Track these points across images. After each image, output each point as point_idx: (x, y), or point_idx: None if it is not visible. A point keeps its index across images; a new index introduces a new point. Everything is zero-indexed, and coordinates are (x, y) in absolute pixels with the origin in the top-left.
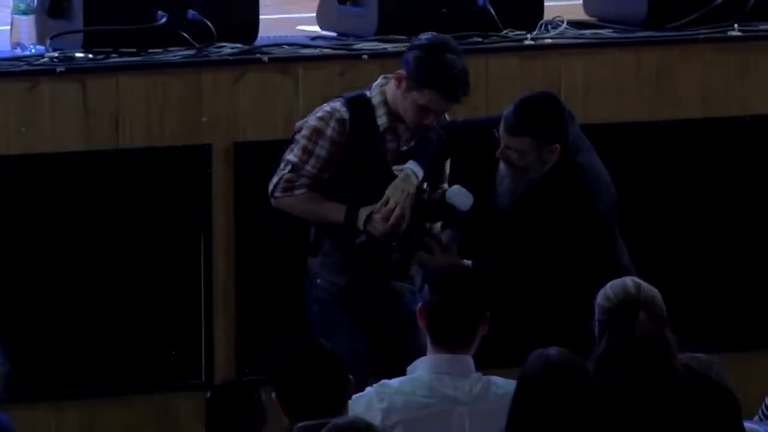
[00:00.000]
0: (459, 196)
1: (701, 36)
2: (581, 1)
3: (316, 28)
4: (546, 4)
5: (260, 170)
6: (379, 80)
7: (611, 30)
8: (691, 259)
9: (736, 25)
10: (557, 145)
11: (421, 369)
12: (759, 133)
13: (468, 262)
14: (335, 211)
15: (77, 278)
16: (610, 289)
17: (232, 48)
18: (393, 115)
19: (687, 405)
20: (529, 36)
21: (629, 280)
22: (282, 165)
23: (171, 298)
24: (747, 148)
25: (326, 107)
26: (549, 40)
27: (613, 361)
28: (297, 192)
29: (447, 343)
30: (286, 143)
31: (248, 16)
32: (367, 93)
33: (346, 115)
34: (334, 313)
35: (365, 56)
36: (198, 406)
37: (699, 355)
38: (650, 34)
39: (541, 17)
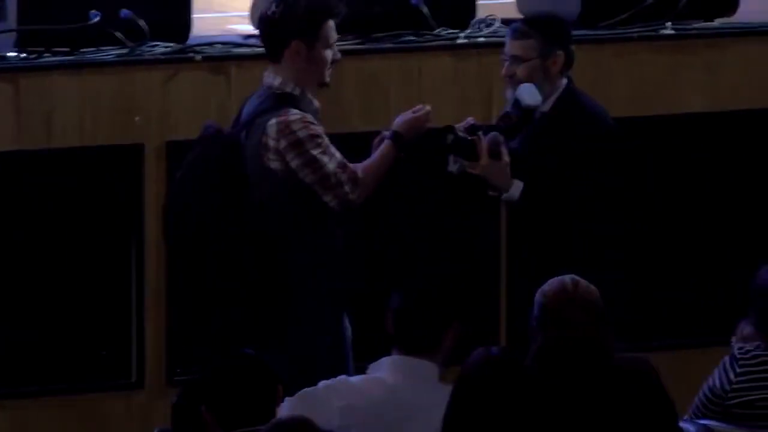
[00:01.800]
0: (528, 90)
1: (634, 34)
2: (514, 0)
3: (249, 27)
4: (479, 2)
5: None
6: (270, 79)
7: None
8: (627, 260)
9: (668, 24)
10: (561, 53)
11: (383, 369)
12: (691, 131)
13: (519, 183)
14: (385, 156)
15: (8, 278)
16: (548, 285)
17: (165, 47)
18: (307, 96)
19: (621, 404)
20: (462, 34)
21: (567, 278)
22: (326, 179)
23: (102, 298)
24: (679, 146)
25: (291, 117)
26: (482, 39)
27: (548, 358)
28: (359, 174)
29: (410, 349)
30: None
31: (181, 15)
32: (281, 92)
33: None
34: (322, 308)
35: None
36: (128, 405)
37: (635, 354)
38: (583, 32)
39: (474, 16)
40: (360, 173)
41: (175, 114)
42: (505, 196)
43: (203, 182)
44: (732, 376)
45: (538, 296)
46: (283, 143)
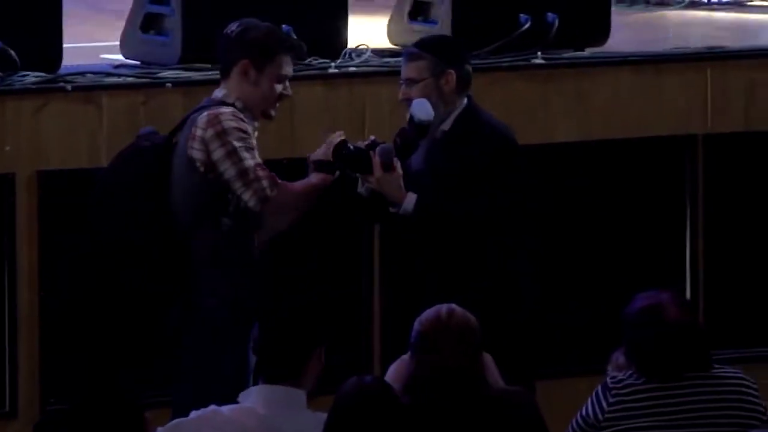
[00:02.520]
0: (419, 105)
1: (505, 64)
2: (385, 30)
3: (119, 57)
4: (350, 32)
5: (64, 199)
6: (216, 92)
7: None
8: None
9: (539, 53)
10: (452, 71)
11: (252, 399)
12: (564, 160)
13: (413, 196)
14: (312, 183)
15: None
16: (425, 314)
17: (36, 77)
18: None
19: None
20: (333, 64)
21: (444, 307)
22: (246, 173)
23: None
24: (552, 176)
25: (223, 110)
26: (353, 68)
27: (421, 387)
28: (279, 182)
29: (275, 377)
30: (90, 172)
31: (52, 45)
32: (222, 101)
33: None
34: (228, 328)
35: (169, 84)
36: None
37: (516, 386)
38: None
39: (346, 45)
40: (281, 181)
41: (46, 143)
42: (401, 210)
43: (121, 184)
44: (605, 405)
45: (416, 324)
46: (209, 132)
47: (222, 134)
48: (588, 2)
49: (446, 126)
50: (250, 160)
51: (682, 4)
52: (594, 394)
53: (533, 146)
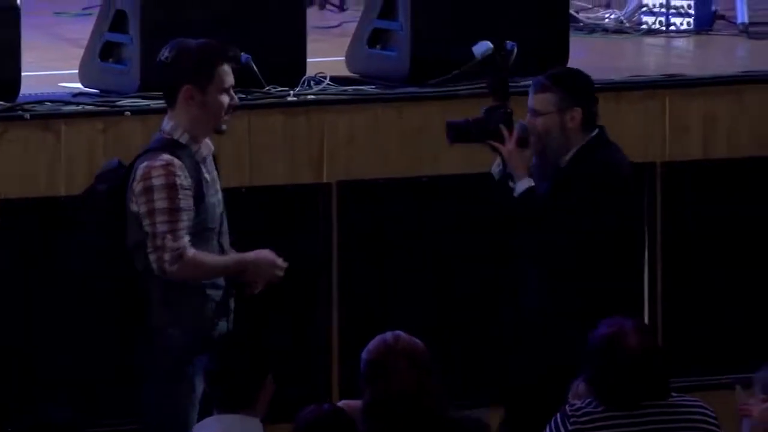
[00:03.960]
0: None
1: (462, 92)
2: (344, 58)
3: (78, 85)
4: (308, 60)
5: (24, 228)
6: (164, 123)
7: (374, 87)
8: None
9: None
10: (579, 110)
11: (208, 429)
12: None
13: (530, 181)
14: (228, 265)
15: None
16: (370, 343)
17: None
18: (199, 143)
19: None
20: (291, 92)
21: (388, 333)
22: (154, 237)
23: None
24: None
25: (158, 162)
26: (312, 96)
27: (376, 414)
28: (189, 254)
29: (228, 406)
30: (49, 200)
31: (10, 73)
32: (170, 137)
33: (179, 160)
34: (181, 362)
35: (127, 113)
36: None
37: (473, 412)
38: (412, 90)
39: (304, 73)
40: (192, 255)
41: (5, 172)
42: (515, 187)
43: (81, 225)
44: None
45: (363, 354)
46: (139, 186)
47: (148, 191)
48: (547, 30)
49: (567, 157)
50: (164, 225)
51: (641, 32)
52: (553, 421)
53: (486, 174)
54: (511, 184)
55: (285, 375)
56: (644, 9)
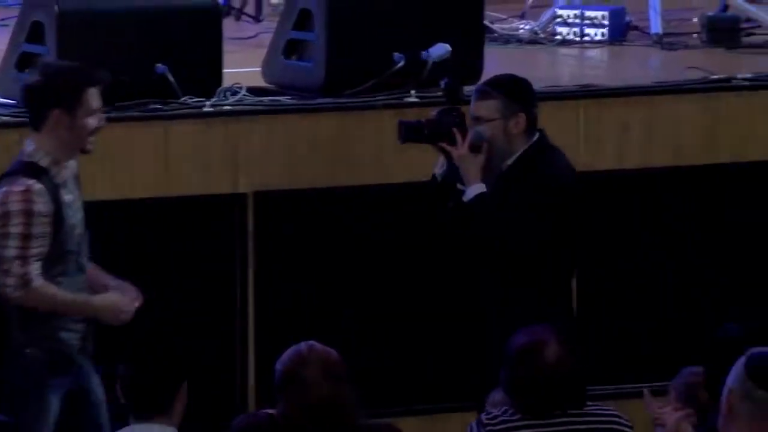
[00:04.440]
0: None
1: (379, 102)
2: (260, 69)
3: None
4: (225, 71)
5: None
6: (26, 145)
7: (290, 97)
8: (375, 325)
9: (413, 92)
10: (523, 115)
11: None
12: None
13: (482, 186)
14: (78, 304)
15: None
16: (285, 354)
17: None
18: (60, 165)
19: None
20: (208, 103)
21: (303, 344)
22: (1, 261)
23: None
24: (425, 215)
25: (16, 188)
26: (228, 107)
27: (291, 424)
28: (35, 283)
29: (143, 415)
30: None
31: None
32: (30, 160)
33: (39, 184)
34: (39, 383)
35: None
36: None
37: (382, 420)
38: (328, 101)
39: (220, 84)
40: (38, 285)
41: None
42: (465, 193)
43: None
44: None
45: (277, 365)
46: None
47: (5, 216)
48: (462, 41)
49: (510, 162)
50: (14, 250)
51: (555, 43)
52: (468, 429)
53: (407, 184)
54: (460, 187)
55: (201, 384)
56: (558, 20)
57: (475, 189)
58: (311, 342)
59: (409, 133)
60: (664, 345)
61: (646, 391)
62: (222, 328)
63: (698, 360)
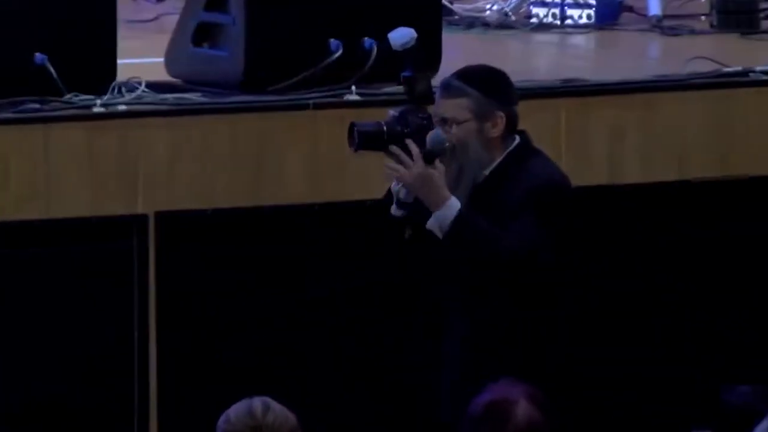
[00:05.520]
0: (397, 32)
1: (311, 101)
2: (163, 60)
3: None
4: (119, 62)
5: None
6: None
7: (201, 94)
8: None
9: (353, 88)
10: (501, 114)
11: None
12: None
13: (456, 203)
14: None
15: None
16: (233, 411)
17: None
18: None
19: None
20: (98, 102)
21: (259, 402)
22: None
23: None
24: (365, 231)
25: None
26: (123, 107)
27: None
28: None
29: None
30: None
31: None
32: None
33: None
34: None
35: None
36: None
37: None
38: (249, 98)
39: (114, 78)
40: None
41: None
42: (436, 217)
43: None
44: None
45: (221, 422)
46: None
47: None
48: (414, 24)
49: (487, 171)
50: None
51: (530, 27)
52: None
53: (340, 204)
54: (429, 226)
55: None
56: None
57: (447, 212)
58: (267, 401)
59: (367, 139)
60: (655, 400)
61: None
62: (121, 374)
63: (705, 423)
